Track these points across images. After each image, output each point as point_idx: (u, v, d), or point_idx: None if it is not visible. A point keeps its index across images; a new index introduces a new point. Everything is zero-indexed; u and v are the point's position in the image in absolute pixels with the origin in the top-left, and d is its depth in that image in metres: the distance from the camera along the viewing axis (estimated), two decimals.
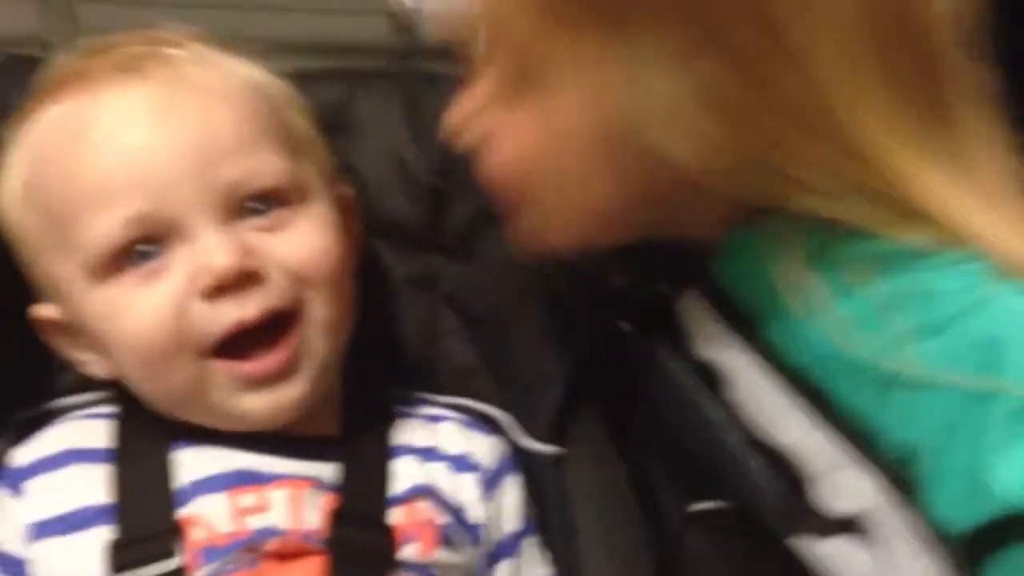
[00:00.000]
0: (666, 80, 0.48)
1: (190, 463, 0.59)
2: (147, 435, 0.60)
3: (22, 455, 0.61)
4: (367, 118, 0.73)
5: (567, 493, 0.67)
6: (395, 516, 0.60)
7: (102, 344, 0.58)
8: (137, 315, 0.55)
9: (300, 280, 0.57)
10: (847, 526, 0.47)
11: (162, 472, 0.58)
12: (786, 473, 0.49)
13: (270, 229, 0.57)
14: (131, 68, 0.58)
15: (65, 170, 0.56)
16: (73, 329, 0.60)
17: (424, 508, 0.61)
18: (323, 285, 0.58)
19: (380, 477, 0.61)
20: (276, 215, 0.58)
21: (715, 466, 0.54)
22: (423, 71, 0.77)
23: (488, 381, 0.71)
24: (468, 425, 0.68)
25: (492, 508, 0.65)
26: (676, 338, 0.57)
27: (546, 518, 0.67)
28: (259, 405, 0.58)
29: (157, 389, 0.59)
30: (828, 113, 0.48)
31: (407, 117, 0.73)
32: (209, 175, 0.56)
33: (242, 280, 0.55)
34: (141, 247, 0.55)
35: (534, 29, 0.50)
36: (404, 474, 0.62)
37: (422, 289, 0.72)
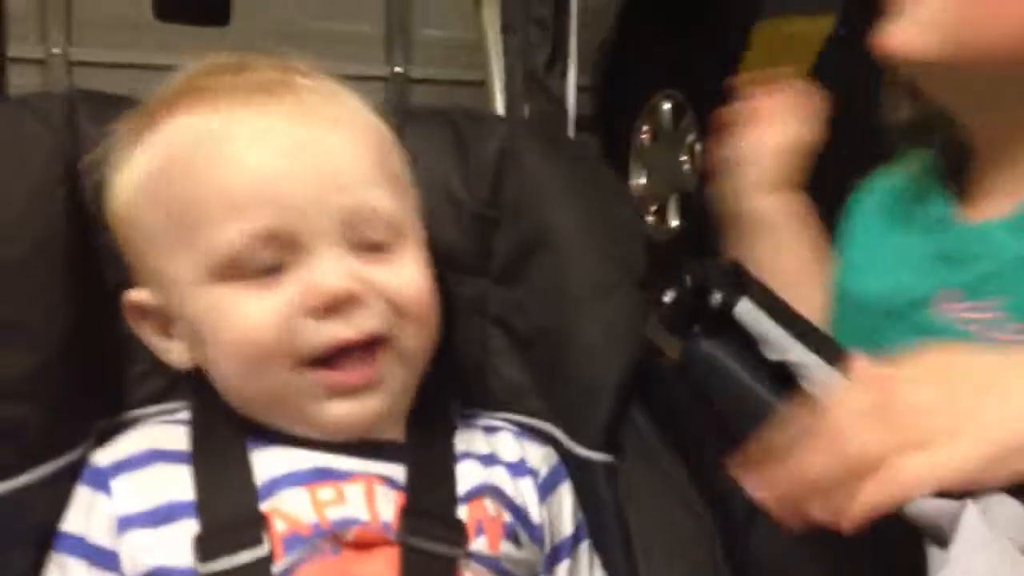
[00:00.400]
0: None
1: (268, 462, 0.61)
2: (224, 437, 0.63)
3: (104, 456, 0.63)
4: (418, 150, 0.77)
5: (623, 501, 0.70)
6: (463, 512, 0.63)
7: (199, 337, 0.61)
8: (246, 318, 0.59)
9: (397, 310, 0.61)
10: None
11: (243, 469, 0.61)
12: None
13: (377, 260, 0.61)
14: (268, 91, 0.62)
15: (197, 176, 0.60)
16: (164, 317, 0.63)
17: (489, 505, 0.64)
18: (416, 318, 0.62)
19: (447, 476, 0.64)
20: (384, 247, 0.62)
21: None
22: (468, 109, 0.82)
23: (539, 399, 0.74)
24: (521, 436, 0.72)
25: (549, 513, 0.68)
26: (739, 342, 0.61)
27: (603, 526, 0.70)
28: (341, 413, 0.61)
29: (247, 389, 0.61)
30: None
31: (455, 150, 0.77)
32: (333, 202, 0.60)
33: (348, 303, 0.59)
34: (260, 258, 0.59)
35: None
36: (468, 475, 0.65)
37: (472, 311, 0.76)
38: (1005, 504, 0.46)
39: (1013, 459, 0.45)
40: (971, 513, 0.45)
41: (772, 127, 0.86)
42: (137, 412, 0.68)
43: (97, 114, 0.71)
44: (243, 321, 0.59)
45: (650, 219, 3.08)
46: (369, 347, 0.61)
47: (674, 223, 2.96)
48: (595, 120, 3.32)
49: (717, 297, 0.64)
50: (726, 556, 0.64)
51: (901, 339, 0.71)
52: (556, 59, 1.01)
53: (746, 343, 0.62)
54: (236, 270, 0.59)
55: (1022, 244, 0.67)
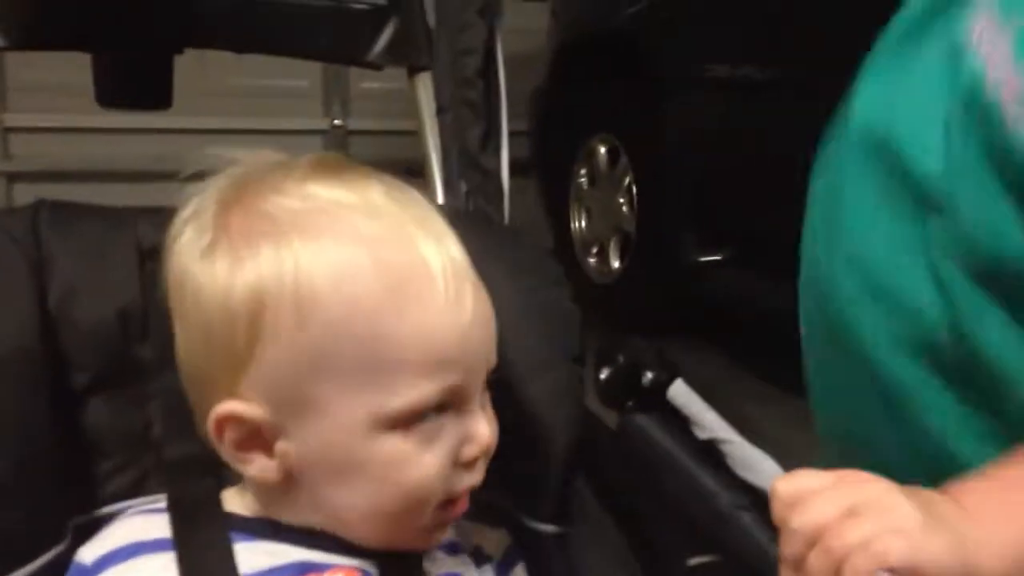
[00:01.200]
0: None
1: (251, 555, 0.65)
2: (207, 528, 0.66)
3: (88, 552, 0.65)
4: None
5: (573, 569, 0.75)
6: None
7: (338, 470, 0.62)
8: (420, 468, 0.61)
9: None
10: None
11: (227, 560, 0.64)
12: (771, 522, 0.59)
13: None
14: (424, 227, 0.63)
15: (388, 324, 0.59)
16: (271, 432, 0.63)
17: None
18: None
19: (416, 569, 0.68)
20: None
21: (710, 525, 0.64)
22: None
23: (490, 474, 0.79)
24: (476, 520, 0.76)
25: None
26: (671, 418, 0.67)
27: None
28: (433, 540, 0.68)
29: (380, 520, 0.64)
30: None
31: None
32: (490, 356, 0.64)
33: (487, 456, 0.65)
34: (433, 409, 0.61)
35: None
36: (436, 567, 0.69)
37: None
38: None
39: None
40: None
41: None
42: (110, 508, 0.71)
43: (57, 221, 0.75)
44: (419, 472, 0.61)
45: (592, 261, 3.16)
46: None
47: (615, 264, 3.04)
48: (533, 166, 3.39)
49: (648, 376, 0.71)
50: None
51: None
52: (489, 137, 1.06)
53: (677, 420, 0.68)
54: (412, 420, 0.61)
55: None
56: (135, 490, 0.73)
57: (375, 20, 1.26)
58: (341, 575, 0.65)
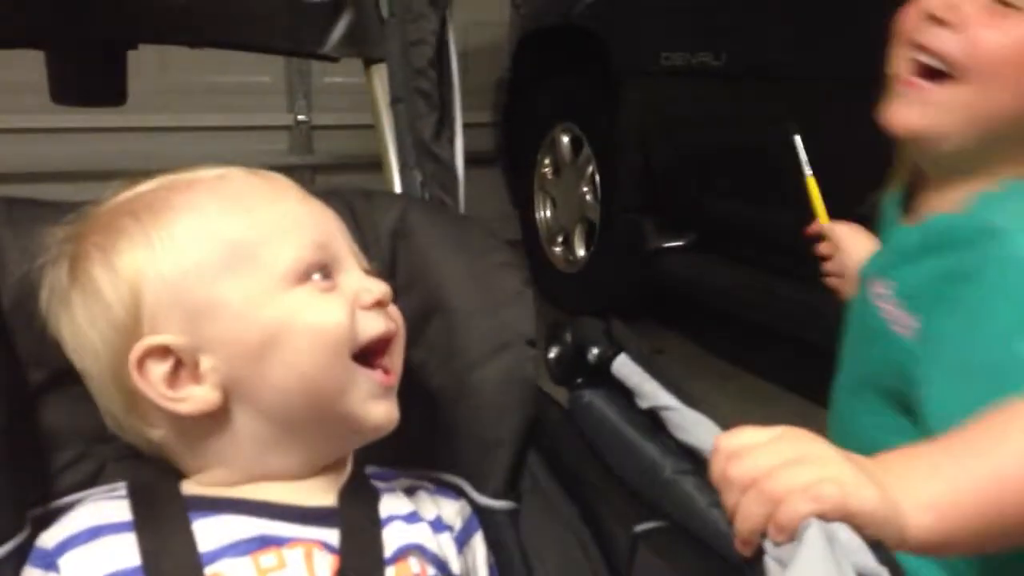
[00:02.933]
0: None
1: (211, 530, 0.67)
2: (167, 507, 0.68)
3: (50, 537, 0.67)
4: None
5: (525, 542, 0.77)
6: (390, 573, 0.69)
7: (267, 345, 0.68)
8: (326, 311, 0.69)
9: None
10: None
11: (186, 536, 0.66)
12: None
13: None
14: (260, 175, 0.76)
15: (248, 217, 0.71)
16: (190, 355, 0.68)
17: (414, 563, 0.71)
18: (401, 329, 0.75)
19: (375, 542, 0.70)
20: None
21: (655, 492, 0.66)
22: (362, 189, 0.89)
23: (445, 454, 0.81)
24: (436, 493, 0.78)
25: (466, 562, 0.75)
26: (616, 392, 0.70)
27: (509, 566, 0.78)
28: (382, 412, 0.72)
29: (310, 390, 0.69)
30: None
31: (352, 231, 0.84)
32: (343, 236, 0.75)
33: (384, 303, 0.72)
34: (317, 263, 0.70)
35: None
36: (394, 537, 0.72)
37: None
38: (844, 530, 0.54)
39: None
40: (815, 528, 0.53)
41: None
42: (68, 499, 0.73)
43: (9, 219, 0.76)
44: (324, 314, 0.69)
45: (558, 250, 3.18)
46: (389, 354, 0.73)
47: (581, 252, 3.06)
48: (498, 157, 3.41)
49: (594, 352, 0.73)
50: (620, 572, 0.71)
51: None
52: (443, 127, 1.07)
53: (622, 393, 0.70)
54: (303, 276, 0.69)
55: (910, 240, 0.85)
56: (92, 481, 0.74)
57: (329, 12, 1.27)
58: (300, 549, 0.67)
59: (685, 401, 0.65)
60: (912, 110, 0.84)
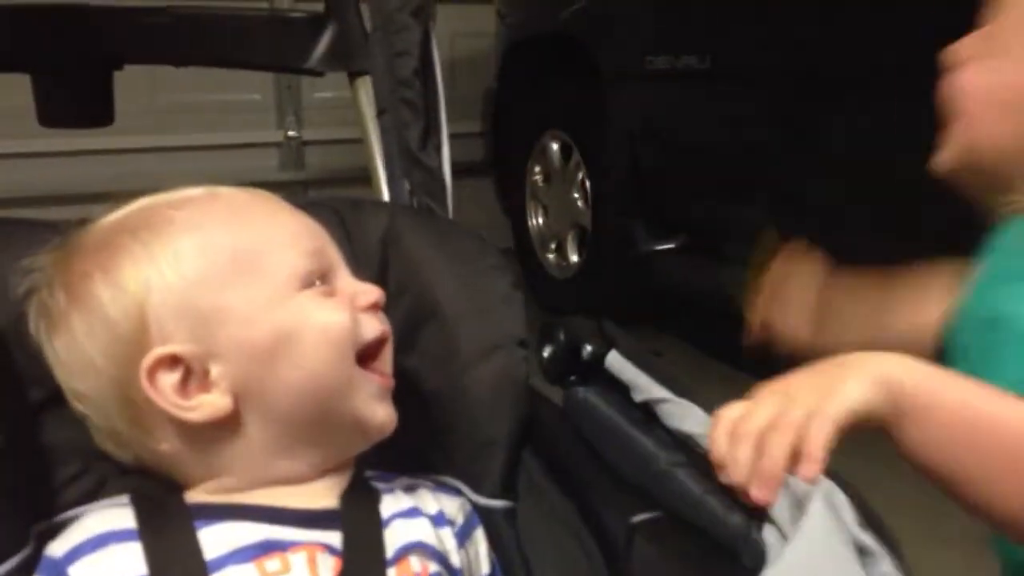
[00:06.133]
0: None
1: (216, 537, 0.68)
2: (172, 515, 0.69)
3: (59, 547, 0.68)
4: None
5: (523, 540, 0.78)
6: (392, 573, 0.70)
7: (275, 348, 0.70)
8: (330, 313, 0.72)
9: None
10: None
11: (191, 543, 0.67)
12: (706, 476, 0.63)
13: None
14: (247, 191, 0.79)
15: (246, 229, 0.74)
16: (200, 363, 0.70)
17: (415, 563, 0.72)
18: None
19: (377, 543, 0.71)
20: None
21: (649, 484, 0.67)
22: (351, 198, 0.90)
23: (441, 457, 0.82)
24: (436, 490, 0.80)
25: (467, 556, 0.76)
26: (610, 387, 0.71)
27: (508, 562, 0.78)
28: (385, 414, 0.74)
29: (317, 392, 0.71)
30: None
31: (341, 240, 0.84)
32: (332, 246, 0.77)
33: (378, 306, 0.75)
34: (316, 271, 0.73)
35: None
36: (395, 537, 0.73)
37: None
38: (847, 509, 0.56)
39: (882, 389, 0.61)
40: (819, 500, 0.55)
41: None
42: (71, 512, 0.73)
43: (3, 239, 0.77)
44: (330, 315, 0.72)
45: (551, 257, 3.20)
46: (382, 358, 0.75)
47: (574, 258, 3.07)
48: (489, 166, 3.42)
49: (587, 350, 0.74)
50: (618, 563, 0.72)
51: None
52: (429, 135, 1.08)
53: (616, 389, 0.71)
54: (305, 281, 0.72)
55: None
56: (94, 495, 0.75)
57: (313, 27, 1.29)
58: (303, 554, 0.68)
59: (677, 392, 0.66)
60: (943, 152, 0.86)
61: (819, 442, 0.57)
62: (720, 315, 2.60)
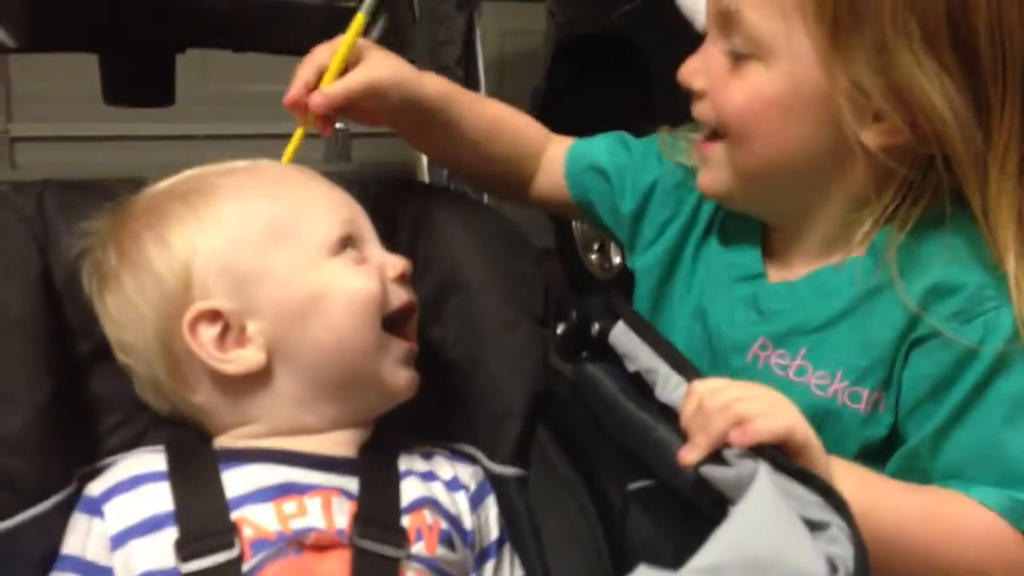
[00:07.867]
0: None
1: (239, 478, 0.74)
2: (198, 459, 0.75)
3: (97, 487, 0.75)
4: None
5: (533, 506, 0.82)
6: (405, 520, 0.75)
7: (307, 310, 0.76)
8: (361, 279, 0.77)
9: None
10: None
11: (215, 483, 0.73)
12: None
13: None
14: (287, 164, 0.88)
15: (286, 196, 0.80)
16: (238, 320, 0.75)
17: (428, 515, 0.77)
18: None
19: (393, 490, 0.77)
20: None
21: (645, 454, 0.71)
22: (383, 177, 0.96)
23: (459, 424, 0.87)
24: (452, 458, 0.84)
25: (478, 520, 0.81)
26: (614, 362, 0.75)
27: (517, 528, 0.83)
28: (408, 376, 0.79)
29: (344, 354, 0.76)
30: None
31: (374, 215, 0.88)
32: (365, 217, 0.82)
33: (406, 277, 0.80)
34: (349, 238, 0.78)
35: (797, 31, 0.77)
36: (410, 490, 0.78)
37: None
38: (797, 487, 0.59)
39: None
40: (764, 473, 0.58)
41: None
42: (112, 459, 0.79)
43: (62, 202, 0.83)
44: (360, 281, 0.77)
45: (593, 257, 3.21)
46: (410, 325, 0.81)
47: (616, 260, 3.08)
48: None
49: (596, 327, 0.78)
50: (608, 542, 0.77)
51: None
52: None
53: (619, 363, 0.75)
54: (338, 248, 0.77)
55: (817, 303, 0.83)
56: (135, 444, 0.81)
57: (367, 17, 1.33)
58: (319, 499, 0.73)
59: (675, 364, 0.70)
60: (705, 174, 0.87)
61: (757, 434, 0.62)
62: None
